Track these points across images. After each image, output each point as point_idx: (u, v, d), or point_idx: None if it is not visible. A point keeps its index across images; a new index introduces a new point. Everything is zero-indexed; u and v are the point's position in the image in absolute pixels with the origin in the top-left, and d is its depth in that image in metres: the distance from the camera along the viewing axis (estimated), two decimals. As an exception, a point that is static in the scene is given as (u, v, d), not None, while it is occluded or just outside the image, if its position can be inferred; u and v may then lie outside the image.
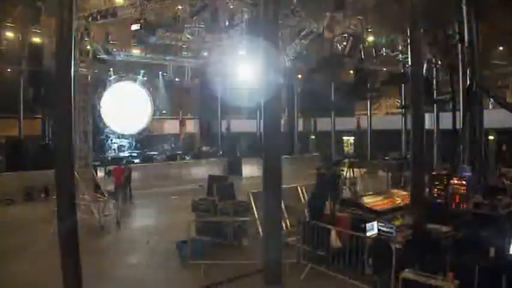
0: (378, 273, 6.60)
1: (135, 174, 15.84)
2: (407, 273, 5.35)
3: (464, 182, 9.32)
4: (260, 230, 8.83)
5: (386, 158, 20.45)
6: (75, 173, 9.17)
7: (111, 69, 21.53)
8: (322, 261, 7.47)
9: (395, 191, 10.38)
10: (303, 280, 7.21)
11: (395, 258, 6.11)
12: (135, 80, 23.68)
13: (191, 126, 28.54)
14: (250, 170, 19.84)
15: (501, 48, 18.47)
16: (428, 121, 18.39)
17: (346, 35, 13.12)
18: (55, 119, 5.82)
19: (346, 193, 11.35)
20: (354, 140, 28.18)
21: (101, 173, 15.49)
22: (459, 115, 11.59)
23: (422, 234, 6.82)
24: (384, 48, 15.72)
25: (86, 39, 13.50)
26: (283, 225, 8.77)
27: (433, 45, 13.92)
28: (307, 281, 7.20)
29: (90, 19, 13.04)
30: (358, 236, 7.05)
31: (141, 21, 12.31)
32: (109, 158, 20.69)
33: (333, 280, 6.99)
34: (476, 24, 11.13)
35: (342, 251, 7.22)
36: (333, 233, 7.44)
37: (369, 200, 8.94)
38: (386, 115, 27.49)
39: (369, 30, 15.34)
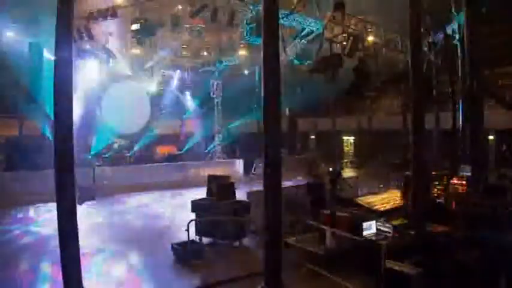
0: (371, 272, 6.58)
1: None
2: (390, 263, 5.45)
3: (464, 182, 9.33)
4: (260, 230, 8.82)
5: (386, 157, 20.47)
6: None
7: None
8: (321, 261, 7.46)
9: (395, 191, 10.40)
10: (303, 280, 7.21)
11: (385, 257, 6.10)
12: (135, 80, 23.60)
13: (191, 126, 28.43)
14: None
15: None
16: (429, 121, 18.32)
17: (346, 35, 13.13)
18: (55, 118, 5.77)
19: (346, 193, 11.33)
20: (354, 140, 28.19)
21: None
22: (459, 115, 11.60)
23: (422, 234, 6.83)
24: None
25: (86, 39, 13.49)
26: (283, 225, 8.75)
27: (433, 45, 13.93)
28: (307, 281, 7.20)
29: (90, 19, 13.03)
30: (351, 237, 7.05)
31: (141, 21, 12.31)
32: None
33: (332, 280, 6.97)
34: (476, 24, 11.14)
35: (338, 251, 7.22)
36: (328, 234, 7.45)
37: (368, 200, 8.96)
38: (387, 115, 27.47)
39: (369, 30, 15.32)
